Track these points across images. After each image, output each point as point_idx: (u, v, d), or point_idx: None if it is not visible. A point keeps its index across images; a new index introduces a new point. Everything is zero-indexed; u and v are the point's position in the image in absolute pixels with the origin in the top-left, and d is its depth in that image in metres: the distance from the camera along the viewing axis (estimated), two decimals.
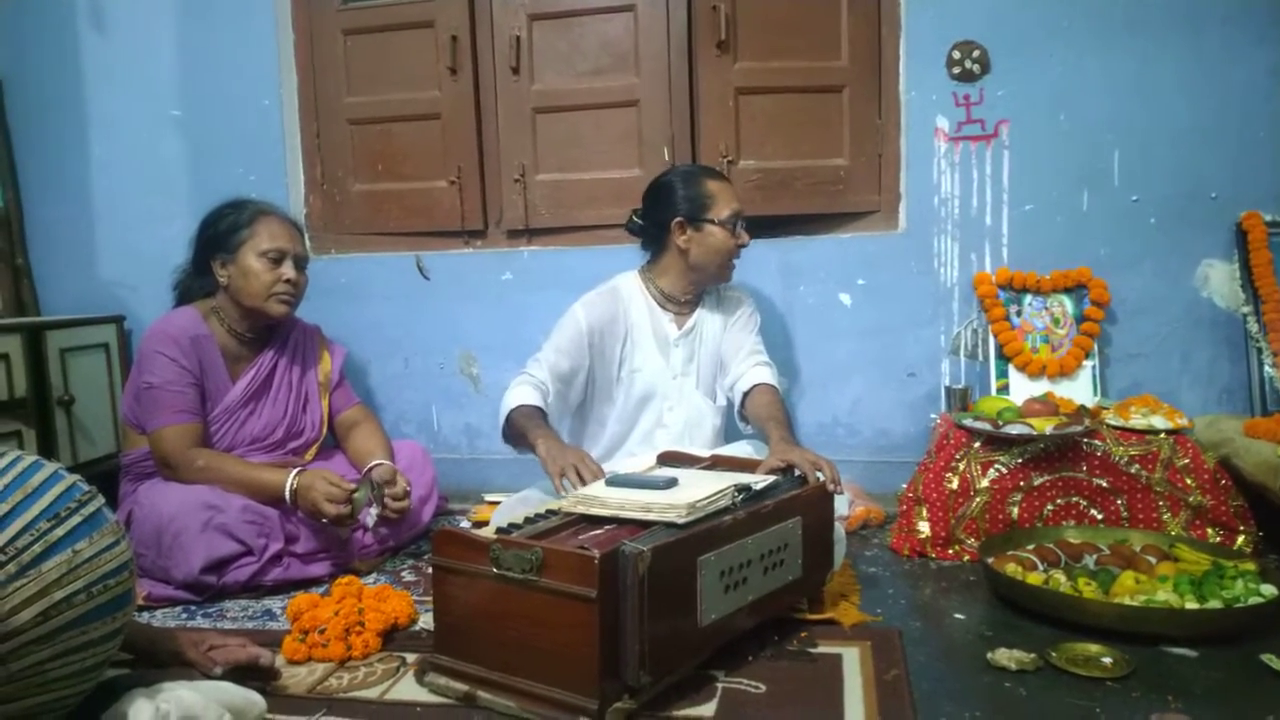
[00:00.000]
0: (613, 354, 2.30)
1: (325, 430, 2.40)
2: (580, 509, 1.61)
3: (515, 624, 1.43)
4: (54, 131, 3.02)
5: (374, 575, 2.16)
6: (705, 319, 2.37)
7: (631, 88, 2.78)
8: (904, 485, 2.31)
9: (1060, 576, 1.84)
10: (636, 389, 2.31)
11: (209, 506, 2.00)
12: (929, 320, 2.67)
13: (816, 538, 1.76)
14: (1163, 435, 2.17)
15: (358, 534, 2.21)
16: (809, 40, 2.69)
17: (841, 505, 1.97)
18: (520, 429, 2.08)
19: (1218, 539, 2.10)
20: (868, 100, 2.70)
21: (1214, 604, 1.69)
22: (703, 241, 2.26)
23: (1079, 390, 2.52)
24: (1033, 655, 1.57)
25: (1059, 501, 2.16)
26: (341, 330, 2.74)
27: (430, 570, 1.57)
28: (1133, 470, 2.14)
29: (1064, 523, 2.15)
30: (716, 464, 1.98)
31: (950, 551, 2.18)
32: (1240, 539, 2.11)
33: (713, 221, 2.24)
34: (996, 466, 2.18)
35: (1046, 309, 2.58)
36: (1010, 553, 1.97)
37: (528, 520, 1.60)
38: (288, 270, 2.22)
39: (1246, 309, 2.46)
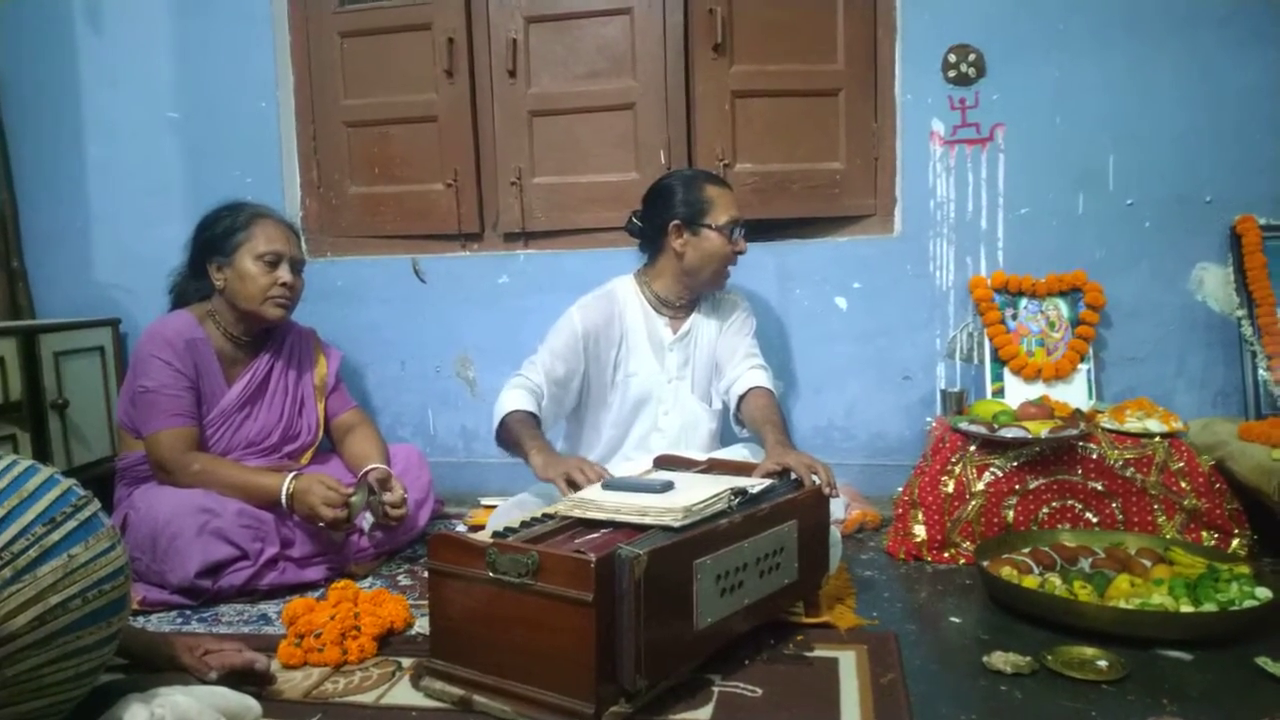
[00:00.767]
0: (607, 358, 2.30)
1: (321, 434, 2.40)
2: (576, 513, 1.61)
3: (511, 628, 1.43)
4: (50, 134, 3.02)
5: (370, 579, 2.16)
6: (700, 323, 2.37)
7: (628, 91, 2.78)
8: (900, 489, 2.31)
9: (1055, 580, 1.85)
10: (632, 393, 2.31)
11: (204, 511, 1.99)
12: (924, 324, 2.67)
13: (812, 541, 1.76)
14: (1158, 439, 2.17)
15: (354, 538, 2.21)
16: (805, 44, 2.70)
17: (837, 509, 1.97)
18: (514, 436, 2.08)
19: (1212, 542, 2.11)
20: (863, 104, 2.71)
21: (1209, 607, 1.69)
22: (699, 246, 2.26)
23: (1074, 393, 2.52)
24: (1028, 658, 1.57)
25: (1054, 505, 2.17)
26: (338, 333, 2.74)
27: (426, 574, 1.57)
28: (1128, 473, 2.15)
29: (1059, 526, 2.15)
30: (713, 467, 1.98)
31: (946, 555, 2.18)
32: (1235, 542, 2.11)
33: (709, 226, 2.24)
34: (992, 470, 2.19)
35: (1042, 312, 2.59)
36: (1006, 556, 1.98)
37: (524, 524, 1.60)
38: (284, 273, 2.21)
39: (1241, 313, 2.47)
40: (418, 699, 1.51)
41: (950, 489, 2.19)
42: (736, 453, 2.23)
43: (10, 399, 2.52)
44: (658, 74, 2.75)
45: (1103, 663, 1.56)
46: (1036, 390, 2.53)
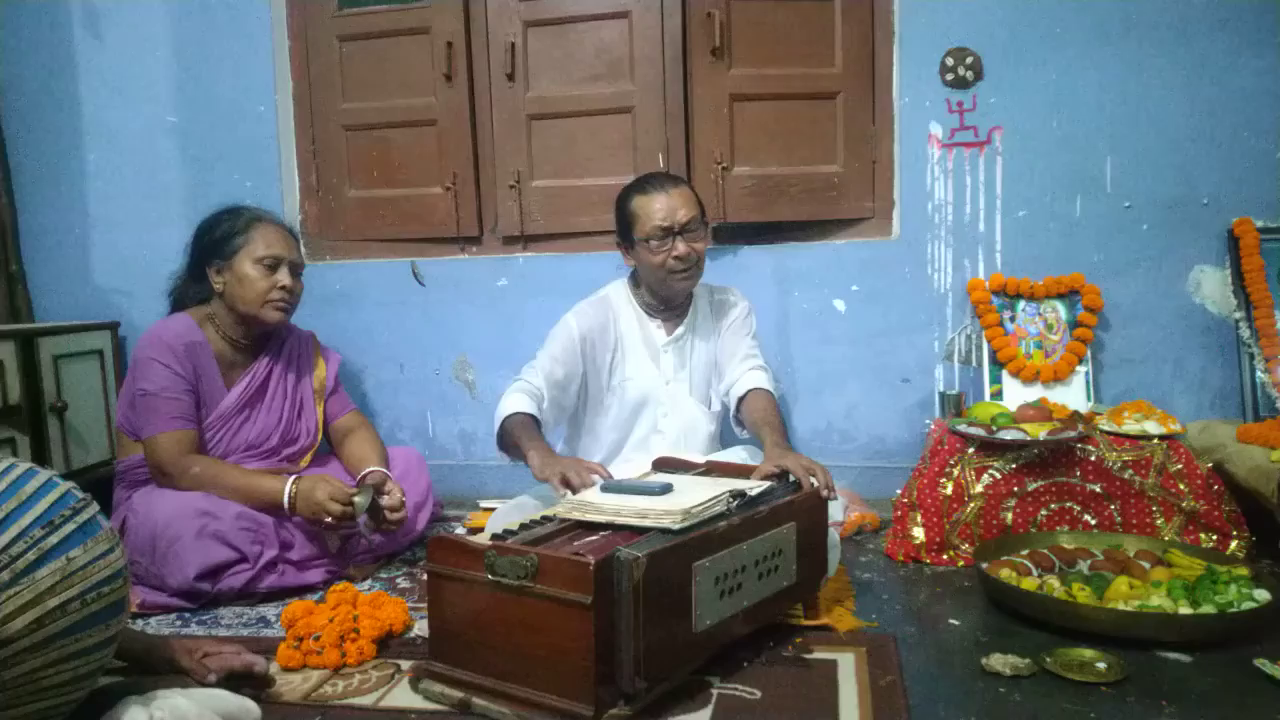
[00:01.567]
0: (603, 362, 2.30)
1: (320, 437, 2.40)
2: (575, 515, 1.61)
3: (510, 631, 1.43)
4: (49, 138, 3.02)
5: (369, 582, 2.16)
6: (696, 324, 2.37)
7: (626, 94, 2.78)
8: (898, 491, 2.31)
9: (1054, 582, 1.85)
10: (630, 397, 2.31)
11: (203, 513, 1.99)
12: (923, 326, 2.68)
13: (811, 543, 1.76)
14: (1156, 441, 2.17)
15: (353, 541, 2.21)
16: (803, 47, 2.71)
17: (836, 511, 1.97)
18: (514, 438, 2.08)
19: (1211, 544, 2.11)
20: (862, 107, 2.71)
21: (1207, 609, 1.69)
22: (639, 259, 2.24)
23: (1072, 396, 2.52)
24: (1027, 660, 1.57)
25: (1053, 507, 2.17)
26: (337, 336, 2.74)
27: (425, 577, 1.57)
28: (1126, 475, 2.15)
29: (1058, 528, 2.15)
30: (711, 470, 1.98)
31: (945, 557, 2.18)
32: (1233, 544, 2.11)
33: (636, 240, 2.22)
34: (991, 472, 2.19)
35: (1040, 315, 2.59)
36: (1004, 558, 1.98)
37: (523, 526, 1.60)
38: (283, 277, 2.21)
39: (1238, 315, 2.47)
40: (417, 701, 1.51)
41: (949, 491, 2.19)
42: (736, 455, 2.23)
43: (9, 402, 2.52)
44: (656, 77, 2.76)
45: (1102, 665, 1.56)
46: (1035, 392, 2.53)
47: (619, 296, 2.35)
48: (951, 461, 2.21)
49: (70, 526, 1.20)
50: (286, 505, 2.07)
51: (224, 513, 2.01)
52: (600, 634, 1.35)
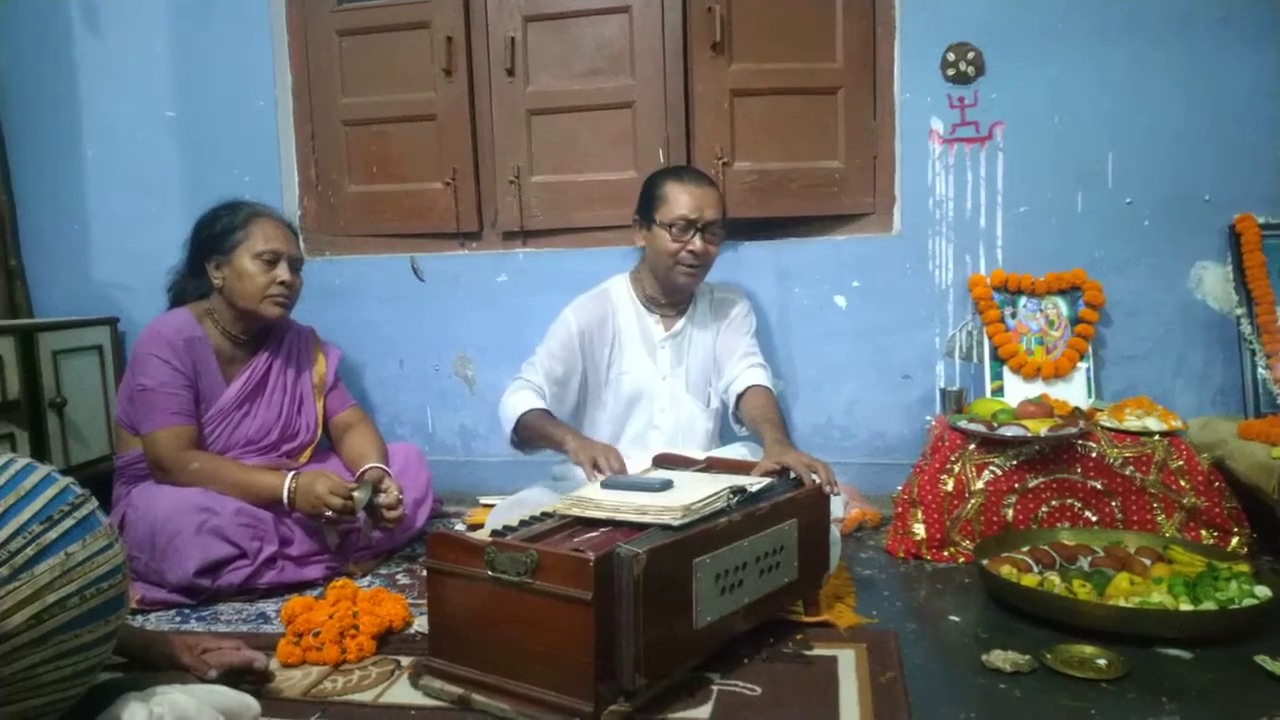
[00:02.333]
0: (601, 356, 2.31)
1: (320, 432, 2.40)
2: (575, 511, 1.61)
3: (510, 627, 1.42)
4: (48, 133, 3.01)
5: (368, 578, 2.16)
6: (695, 321, 2.37)
7: (626, 89, 2.78)
8: (899, 487, 2.31)
9: (1055, 578, 1.85)
10: (625, 390, 2.32)
11: (203, 509, 1.99)
12: (924, 322, 2.67)
13: (812, 540, 1.76)
14: (1157, 437, 2.17)
15: (353, 536, 2.21)
16: (804, 42, 2.70)
17: (837, 507, 1.97)
18: (538, 430, 2.13)
19: (1212, 541, 2.10)
20: (862, 102, 2.70)
21: (1208, 605, 1.69)
22: (651, 242, 2.27)
23: (1073, 392, 2.52)
24: (1028, 657, 1.57)
25: (1054, 503, 2.17)
26: (336, 332, 2.73)
27: (425, 573, 1.57)
28: (1127, 472, 2.15)
29: (1059, 525, 2.15)
30: (712, 466, 1.98)
31: (945, 554, 2.18)
32: (1234, 540, 2.11)
33: (656, 222, 2.24)
34: (991, 468, 2.19)
35: (1041, 311, 2.58)
36: (1005, 555, 1.98)
37: (523, 523, 1.60)
38: (282, 272, 2.21)
39: (1240, 311, 2.47)
40: (417, 697, 1.50)
41: (950, 488, 2.19)
42: (736, 451, 2.23)
43: (9, 398, 2.51)
44: (656, 72, 2.75)
45: (1102, 661, 1.56)
46: (1036, 389, 2.53)
47: (619, 290, 2.36)
48: (952, 458, 2.21)
49: (69, 522, 1.19)
50: (286, 500, 2.07)
51: (223, 508, 2.01)
52: (600, 630, 1.35)
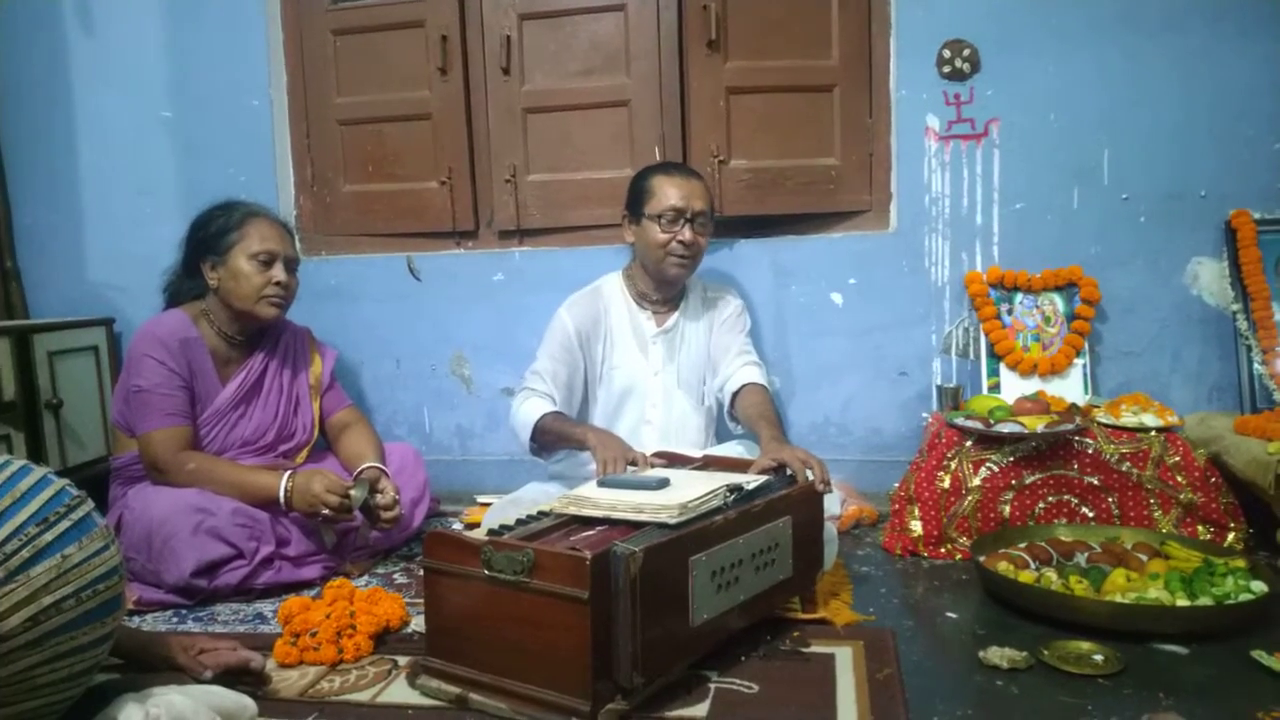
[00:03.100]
0: (595, 353, 2.33)
1: (316, 433, 2.40)
2: (572, 510, 1.61)
3: (507, 626, 1.42)
4: (43, 133, 3.00)
5: (365, 578, 2.16)
6: (688, 318, 2.38)
7: (622, 87, 2.77)
8: (896, 484, 2.31)
9: (1052, 575, 1.85)
10: (616, 385, 2.33)
11: (199, 510, 1.99)
12: (920, 319, 2.67)
13: (807, 537, 1.76)
14: (1153, 433, 2.17)
15: (350, 536, 2.21)
16: (799, 39, 2.70)
17: (834, 505, 1.97)
18: (557, 432, 2.14)
19: (1208, 536, 2.11)
20: (858, 99, 2.70)
21: (1204, 601, 1.69)
22: (641, 236, 2.29)
23: (1070, 388, 2.52)
24: (1025, 653, 1.57)
25: (1050, 500, 2.17)
26: (332, 332, 2.73)
27: (422, 572, 1.57)
28: (1124, 468, 2.15)
29: (1055, 521, 2.15)
30: (708, 464, 1.98)
31: (942, 550, 2.18)
32: (1230, 536, 2.12)
33: (645, 215, 2.25)
34: (988, 465, 2.19)
35: (1037, 307, 2.59)
36: (1002, 551, 1.98)
37: (519, 522, 1.60)
38: (278, 273, 2.21)
39: (1236, 307, 2.47)
40: (414, 697, 1.51)
41: (946, 484, 2.19)
42: (731, 449, 2.24)
43: (4, 399, 2.51)
44: (652, 70, 2.75)
45: (1099, 657, 1.56)
46: (1032, 385, 2.53)
47: (611, 287, 2.38)
48: (949, 455, 2.21)
49: (65, 524, 1.19)
50: (283, 500, 2.07)
51: (220, 509, 2.01)
52: (597, 629, 1.35)
